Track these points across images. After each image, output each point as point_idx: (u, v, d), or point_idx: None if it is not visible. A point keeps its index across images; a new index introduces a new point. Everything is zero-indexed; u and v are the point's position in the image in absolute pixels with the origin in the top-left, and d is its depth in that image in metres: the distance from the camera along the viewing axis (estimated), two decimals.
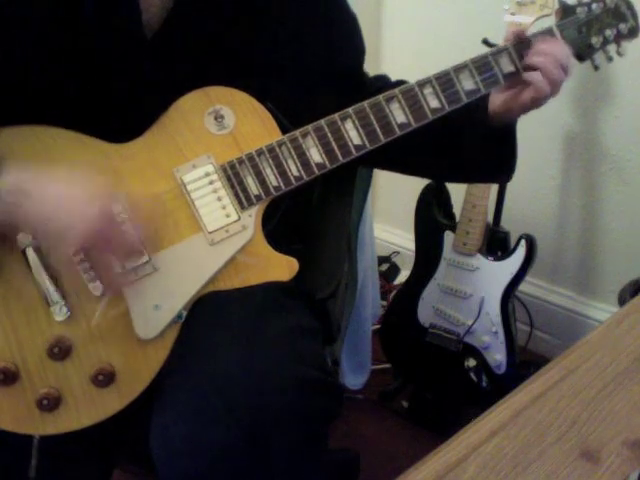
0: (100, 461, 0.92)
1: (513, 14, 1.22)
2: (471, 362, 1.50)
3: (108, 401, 0.80)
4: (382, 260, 2.07)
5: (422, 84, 0.86)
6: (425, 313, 1.54)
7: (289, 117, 0.86)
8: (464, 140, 0.93)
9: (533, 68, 0.85)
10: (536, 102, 0.87)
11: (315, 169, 0.85)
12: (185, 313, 0.82)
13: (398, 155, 0.94)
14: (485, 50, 0.89)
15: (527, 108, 0.89)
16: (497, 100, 0.90)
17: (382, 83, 1.00)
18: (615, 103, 1.56)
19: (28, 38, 0.79)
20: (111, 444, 0.90)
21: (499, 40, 0.94)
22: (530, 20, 1.20)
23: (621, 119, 1.57)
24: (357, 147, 0.85)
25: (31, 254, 0.77)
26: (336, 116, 0.85)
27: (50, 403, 0.78)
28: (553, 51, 0.86)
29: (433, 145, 0.95)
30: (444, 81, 0.86)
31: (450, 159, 0.98)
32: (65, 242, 0.73)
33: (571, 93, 1.61)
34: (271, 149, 0.83)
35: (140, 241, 0.78)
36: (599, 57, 0.95)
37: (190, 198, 0.82)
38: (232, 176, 0.83)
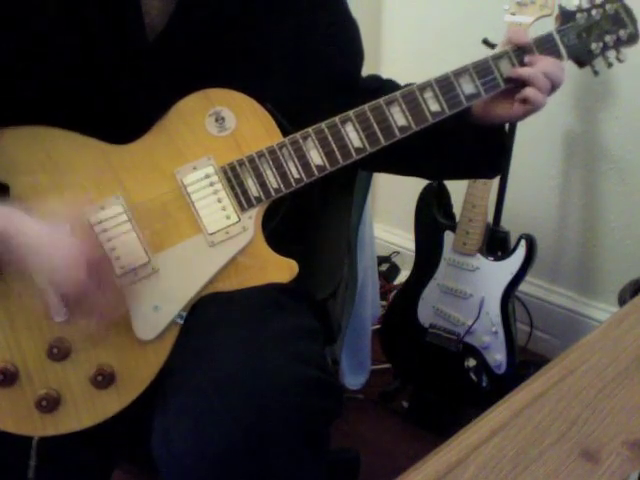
0: (100, 462, 0.92)
1: (513, 14, 1.22)
2: (471, 362, 1.50)
3: (107, 402, 0.80)
4: (382, 260, 2.07)
5: (422, 88, 0.87)
6: (425, 313, 1.54)
7: (289, 119, 0.86)
8: (448, 137, 0.93)
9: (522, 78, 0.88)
10: (514, 115, 0.91)
11: (315, 171, 0.85)
12: (185, 314, 0.82)
13: (392, 158, 0.94)
14: (485, 50, 0.89)
15: (503, 119, 0.92)
16: (479, 102, 0.91)
17: (376, 84, 1.01)
18: (615, 103, 1.56)
19: (29, 39, 0.79)
20: (111, 445, 0.90)
21: (499, 40, 0.95)
22: (530, 20, 1.20)
23: (621, 119, 1.57)
24: (357, 150, 0.86)
25: None
26: (336, 119, 0.85)
27: (49, 404, 0.78)
28: (542, 63, 0.88)
29: (418, 144, 0.94)
30: (444, 85, 0.87)
31: (436, 157, 0.98)
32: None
33: (571, 93, 1.61)
34: (271, 151, 0.84)
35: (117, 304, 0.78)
36: (599, 63, 0.95)
37: (190, 199, 0.82)
38: (232, 178, 0.83)
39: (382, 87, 0.98)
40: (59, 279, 0.71)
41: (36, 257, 0.71)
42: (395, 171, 1.06)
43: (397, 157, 0.94)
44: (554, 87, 0.89)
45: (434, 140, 0.93)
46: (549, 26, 0.94)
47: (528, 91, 0.87)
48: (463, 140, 0.94)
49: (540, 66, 0.88)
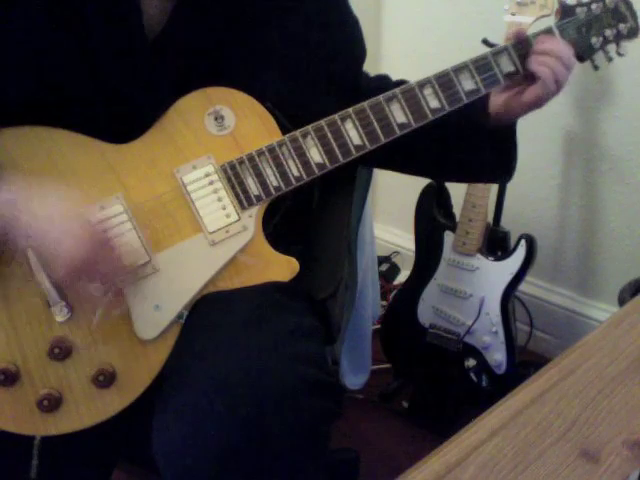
0: (100, 461, 0.92)
1: (513, 14, 1.22)
2: (471, 362, 1.50)
3: (109, 402, 0.80)
4: (382, 260, 2.07)
5: (422, 84, 0.87)
6: (425, 313, 1.54)
7: (289, 117, 0.86)
8: (464, 141, 0.93)
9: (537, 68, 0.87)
10: (540, 100, 0.88)
11: (315, 169, 0.85)
12: (186, 313, 0.82)
13: (398, 155, 0.94)
14: (485, 50, 0.89)
15: (530, 107, 0.90)
16: (498, 100, 0.91)
17: (382, 83, 1.00)
18: (615, 103, 1.56)
19: (28, 39, 0.79)
20: (112, 444, 0.90)
21: (499, 40, 0.95)
22: (530, 20, 1.20)
23: (621, 119, 1.57)
24: (357, 147, 0.86)
25: (32, 255, 0.77)
26: (336, 116, 0.85)
27: (51, 404, 0.78)
28: (558, 50, 0.87)
29: (433, 145, 0.95)
30: (444, 81, 0.87)
31: (450, 159, 0.98)
32: (54, 267, 0.74)
33: (571, 93, 1.61)
34: (271, 149, 0.84)
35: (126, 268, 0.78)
36: (599, 57, 0.95)
37: (190, 199, 0.82)
38: (232, 176, 0.83)
39: (388, 88, 0.98)
40: (65, 249, 0.72)
41: (45, 233, 0.73)
42: (405, 170, 1.06)
43: (409, 156, 0.94)
44: (568, 69, 0.88)
45: (448, 142, 0.93)
46: None
47: (543, 70, 0.86)
48: (479, 146, 0.94)
49: (556, 49, 0.87)
